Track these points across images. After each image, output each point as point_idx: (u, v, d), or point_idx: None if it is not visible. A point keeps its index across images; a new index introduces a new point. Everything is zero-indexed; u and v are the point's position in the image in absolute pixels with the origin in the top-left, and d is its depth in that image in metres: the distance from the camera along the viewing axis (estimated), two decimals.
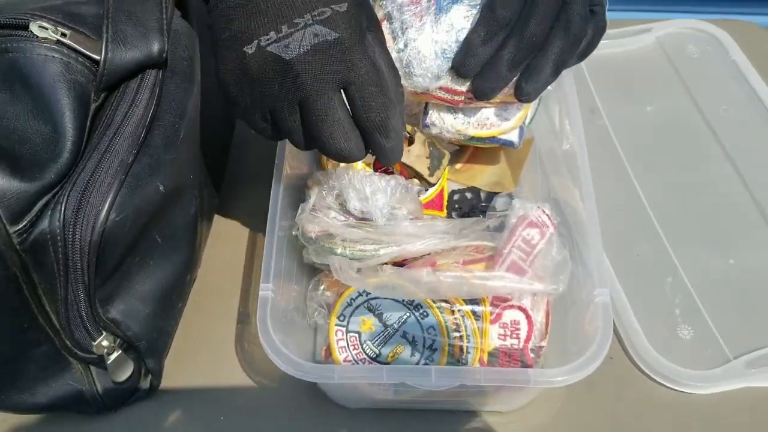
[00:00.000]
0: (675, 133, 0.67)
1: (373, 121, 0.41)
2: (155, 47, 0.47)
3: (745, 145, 0.66)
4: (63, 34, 0.44)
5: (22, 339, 0.45)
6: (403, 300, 0.49)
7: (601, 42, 0.74)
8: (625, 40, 0.75)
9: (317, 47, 0.40)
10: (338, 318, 0.50)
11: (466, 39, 0.46)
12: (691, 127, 0.68)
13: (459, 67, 0.46)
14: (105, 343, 0.45)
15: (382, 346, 0.49)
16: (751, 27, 0.77)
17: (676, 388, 0.52)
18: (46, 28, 0.44)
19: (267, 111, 0.42)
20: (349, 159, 0.42)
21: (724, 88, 0.70)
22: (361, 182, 0.49)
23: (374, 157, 0.44)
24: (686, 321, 0.54)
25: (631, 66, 0.74)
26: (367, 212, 0.49)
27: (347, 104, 0.41)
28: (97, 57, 0.44)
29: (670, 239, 0.59)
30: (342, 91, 0.41)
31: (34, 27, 0.43)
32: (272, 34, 0.40)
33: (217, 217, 0.60)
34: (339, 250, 0.48)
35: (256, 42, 0.41)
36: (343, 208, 0.50)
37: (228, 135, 0.62)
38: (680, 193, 0.63)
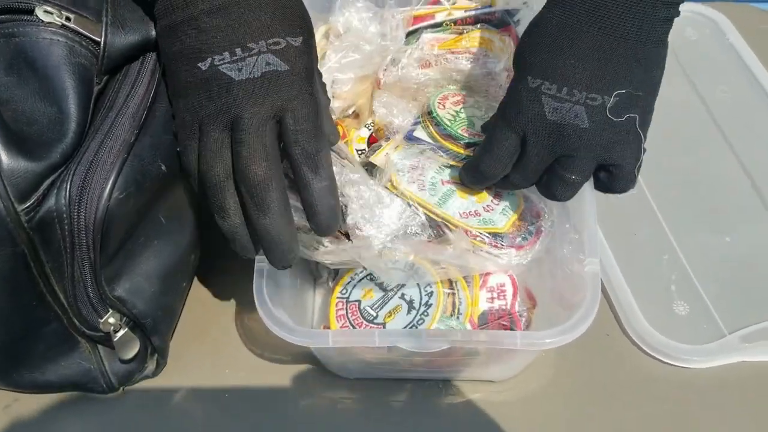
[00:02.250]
0: (673, 115, 0.68)
1: (302, 151, 0.41)
2: (153, 30, 0.48)
3: (742, 126, 0.67)
4: (68, 18, 0.46)
5: (31, 317, 0.46)
6: (404, 265, 0.50)
7: None
8: None
9: (266, 75, 0.41)
10: (340, 292, 0.52)
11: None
12: (689, 108, 0.69)
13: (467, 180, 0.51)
14: (111, 320, 0.47)
15: (380, 309, 0.51)
16: (747, 9, 0.78)
17: (672, 363, 0.53)
18: (51, 13, 0.45)
19: (197, 125, 0.42)
20: (263, 190, 0.40)
21: (721, 70, 0.71)
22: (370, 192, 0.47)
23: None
24: (682, 297, 0.55)
25: None
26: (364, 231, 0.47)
27: (280, 134, 0.42)
28: (99, 39, 0.46)
29: (667, 218, 0.60)
30: (278, 121, 0.41)
31: (39, 11, 0.45)
32: (226, 54, 0.42)
33: None
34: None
35: (209, 59, 0.42)
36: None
37: None
38: (677, 173, 0.64)
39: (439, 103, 0.55)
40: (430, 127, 0.54)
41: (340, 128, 0.64)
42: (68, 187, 0.42)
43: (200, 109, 0.42)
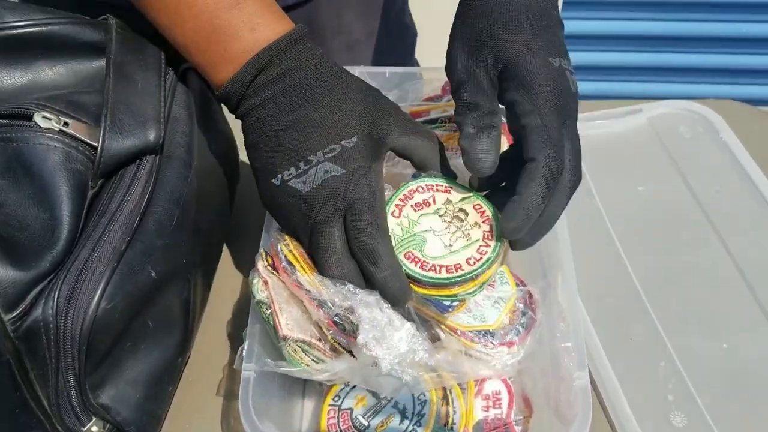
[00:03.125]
0: (667, 213, 0.69)
1: (361, 248, 0.45)
2: (152, 135, 0.49)
3: (738, 227, 0.67)
4: (65, 124, 0.47)
5: (13, 423, 0.46)
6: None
7: (594, 122, 0.78)
8: (616, 121, 0.78)
9: (326, 182, 0.46)
10: (333, 399, 0.51)
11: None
12: (683, 208, 0.69)
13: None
14: (94, 429, 0.46)
15: (373, 418, 0.50)
16: (739, 107, 0.79)
17: None
18: (49, 119, 0.46)
19: (292, 231, 0.49)
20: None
21: (715, 169, 0.72)
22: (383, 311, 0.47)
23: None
24: (680, 408, 0.54)
25: (623, 146, 0.76)
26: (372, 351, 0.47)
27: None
28: (96, 145, 0.47)
29: (663, 322, 0.60)
30: (344, 218, 0.46)
31: (37, 117, 0.46)
32: (292, 170, 0.47)
33: (210, 295, 0.61)
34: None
35: (279, 176, 0.47)
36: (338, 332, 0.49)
37: (225, 217, 0.63)
38: (672, 274, 0.64)
39: (400, 200, 0.50)
40: None
41: None
42: (56, 297, 0.42)
43: (288, 221, 0.48)
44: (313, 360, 0.50)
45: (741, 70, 1.90)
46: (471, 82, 0.47)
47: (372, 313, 0.46)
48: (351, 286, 0.49)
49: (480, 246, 0.47)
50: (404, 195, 0.50)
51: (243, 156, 0.67)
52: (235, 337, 0.61)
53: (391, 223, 0.48)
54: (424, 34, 0.93)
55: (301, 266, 0.51)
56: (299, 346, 0.50)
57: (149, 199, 0.47)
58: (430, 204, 0.49)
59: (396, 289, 0.45)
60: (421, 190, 0.50)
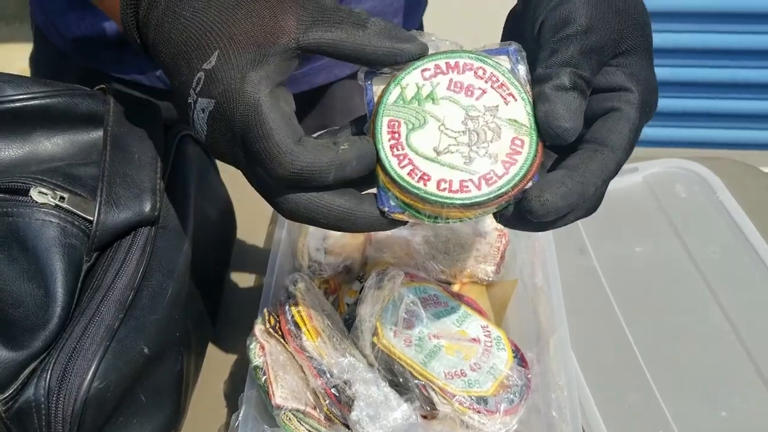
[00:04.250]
0: (664, 275, 0.69)
1: (270, 179, 0.39)
2: (147, 207, 0.50)
3: (735, 290, 0.67)
4: (61, 198, 0.48)
5: None
6: None
7: None
8: (612, 180, 0.78)
9: (210, 124, 0.40)
10: None
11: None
12: (680, 269, 0.70)
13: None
14: None
15: None
16: (735, 165, 0.80)
17: None
18: (45, 194, 0.47)
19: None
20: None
21: (712, 229, 0.73)
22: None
23: None
24: None
25: (620, 205, 0.77)
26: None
27: None
28: (92, 218, 0.48)
29: (661, 388, 0.60)
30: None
31: (34, 193, 0.47)
32: (189, 119, 0.41)
33: (206, 358, 0.62)
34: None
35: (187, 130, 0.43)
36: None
37: (220, 280, 0.64)
38: (670, 338, 0.64)
39: (448, 65, 0.42)
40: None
41: (331, 283, 0.65)
42: (48, 377, 0.42)
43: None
44: (307, 429, 0.50)
45: (738, 115, 1.92)
46: (594, 36, 0.40)
47: (369, 390, 0.47)
48: (352, 359, 0.49)
49: (474, 177, 0.39)
50: (458, 63, 0.41)
51: (240, 212, 0.69)
52: (231, 402, 0.61)
53: (414, 77, 0.41)
54: None
55: (307, 329, 0.52)
56: (294, 415, 0.50)
57: (144, 273, 0.48)
58: (472, 94, 0.40)
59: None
60: (481, 72, 0.41)
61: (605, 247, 0.72)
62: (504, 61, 0.42)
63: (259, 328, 0.52)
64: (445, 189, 0.38)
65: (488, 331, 0.58)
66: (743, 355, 0.62)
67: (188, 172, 0.57)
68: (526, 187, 0.39)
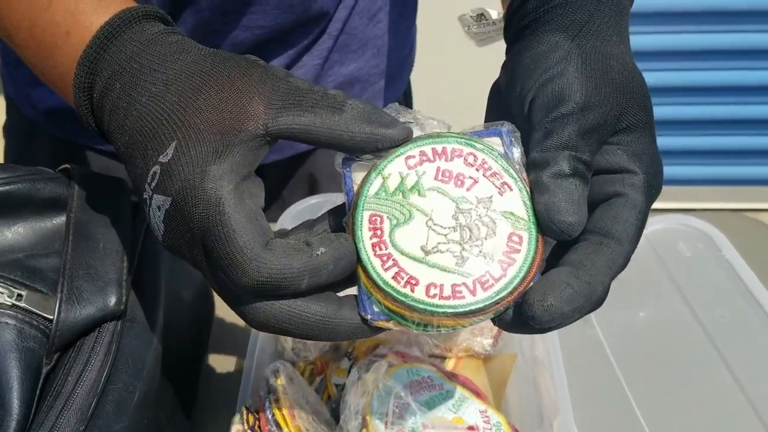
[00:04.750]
0: (672, 342, 0.66)
1: (236, 288, 0.35)
2: (112, 300, 0.47)
3: (746, 356, 0.64)
4: (19, 296, 0.44)
5: None
6: None
7: None
8: None
9: (167, 224, 0.36)
10: None
11: None
12: (688, 335, 0.67)
13: None
14: None
15: None
16: (741, 219, 0.78)
17: None
18: (2, 293, 0.44)
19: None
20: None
21: (720, 291, 0.70)
22: None
23: None
24: None
25: None
26: None
27: None
28: (52, 317, 0.44)
29: None
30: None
31: None
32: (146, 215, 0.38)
33: None
34: None
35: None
36: None
37: (195, 371, 0.60)
38: (681, 413, 0.61)
39: (434, 151, 0.38)
40: None
41: (318, 364, 0.62)
42: None
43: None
44: None
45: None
46: (591, 115, 0.36)
47: None
48: None
49: (467, 281, 0.35)
50: (446, 149, 0.38)
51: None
52: None
53: (397, 165, 0.37)
54: None
55: (289, 430, 0.48)
56: None
57: (108, 376, 0.44)
58: (462, 184, 0.37)
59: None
60: (472, 159, 0.37)
61: (607, 312, 0.68)
62: (496, 143, 0.38)
63: (236, 429, 0.48)
64: (435, 295, 0.34)
65: (487, 417, 0.54)
66: (759, 427, 0.59)
67: (158, 254, 0.53)
68: (527, 290, 0.35)
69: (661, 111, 1.82)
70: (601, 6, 0.40)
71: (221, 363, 0.65)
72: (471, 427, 0.52)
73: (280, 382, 0.50)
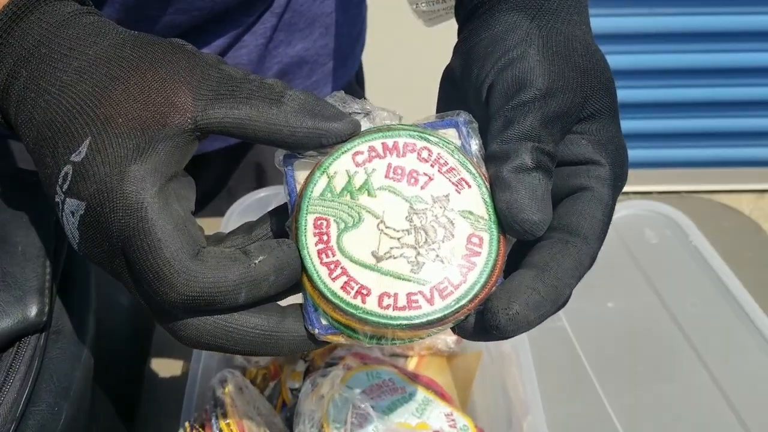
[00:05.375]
0: (642, 334, 0.64)
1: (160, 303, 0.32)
2: (33, 311, 0.42)
3: (716, 345, 0.62)
4: None
5: None
6: None
7: None
8: None
9: (82, 230, 0.32)
10: None
11: None
12: (659, 327, 0.65)
13: None
14: None
15: None
16: (707, 204, 0.76)
17: None
18: None
19: None
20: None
21: (688, 278, 0.68)
22: None
23: None
24: None
25: None
26: None
27: None
28: None
29: None
30: None
31: None
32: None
33: None
34: None
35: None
36: None
37: (134, 387, 0.56)
38: (655, 409, 0.59)
39: (384, 145, 0.34)
40: None
41: (270, 368, 0.58)
42: None
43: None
44: None
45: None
46: (554, 102, 0.33)
47: None
48: None
49: (424, 289, 0.32)
50: (397, 143, 0.34)
51: None
52: None
53: (343, 163, 0.33)
54: None
55: None
56: None
57: (30, 396, 0.40)
58: (416, 181, 0.33)
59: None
60: (426, 154, 0.34)
61: (574, 303, 0.66)
62: (452, 135, 0.35)
63: None
64: (389, 306, 0.31)
65: (453, 420, 0.51)
66: (735, 424, 0.57)
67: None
68: (490, 296, 0.31)
69: (638, 93, 1.83)
70: None
71: (165, 369, 0.60)
72: None
73: (228, 392, 0.46)
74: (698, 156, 1.93)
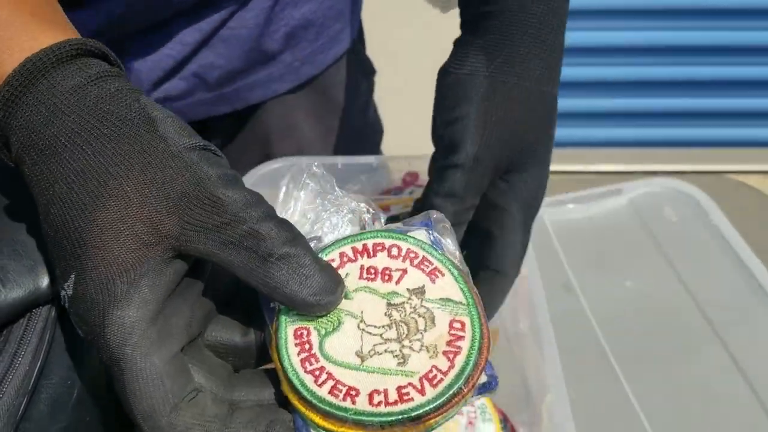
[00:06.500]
0: (661, 315, 0.63)
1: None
2: (44, 280, 0.40)
3: (736, 323, 0.62)
4: None
5: None
6: None
7: (570, 206, 0.73)
8: (595, 204, 0.73)
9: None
10: None
11: None
12: (677, 306, 0.64)
13: None
14: None
15: None
16: (728, 183, 0.75)
17: None
18: None
19: None
20: None
21: (708, 258, 0.67)
22: None
23: None
24: None
25: (605, 233, 0.70)
26: None
27: None
28: None
29: None
30: None
31: None
32: None
33: None
34: None
35: None
36: None
37: None
38: (674, 391, 0.58)
39: (354, 249, 0.35)
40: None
41: None
42: None
43: None
44: None
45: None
46: (479, 167, 0.41)
47: None
48: None
49: (413, 380, 0.31)
50: (366, 245, 0.35)
51: None
52: None
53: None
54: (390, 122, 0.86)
55: None
56: None
57: (42, 369, 0.39)
58: (390, 278, 0.34)
59: None
60: (396, 251, 0.35)
61: (592, 282, 0.66)
62: (422, 236, 0.35)
63: None
64: (380, 403, 0.30)
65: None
66: (756, 406, 0.56)
67: None
68: (481, 380, 0.31)
69: (649, 71, 1.81)
70: (532, 25, 0.42)
71: None
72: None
73: None
74: (706, 135, 1.92)
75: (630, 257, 0.68)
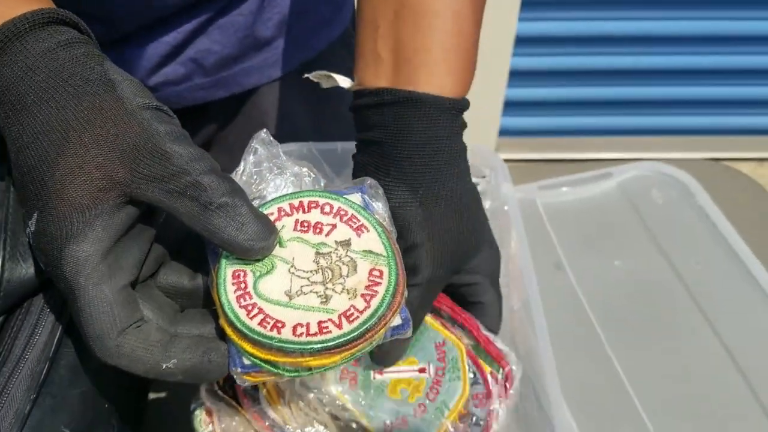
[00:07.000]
0: (649, 293, 0.66)
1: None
2: None
3: (724, 305, 0.64)
4: None
5: None
6: None
7: (561, 189, 0.75)
8: (585, 187, 0.75)
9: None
10: None
11: None
12: (665, 285, 0.66)
13: None
14: None
15: None
16: (714, 167, 0.77)
17: None
18: None
19: None
20: None
21: (694, 238, 0.70)
22: None
23: None
24: None
25: (594, 214, 0.73)
26: None
27: None
28: None
29: (653, 420, 0.56)
30: None
31: None
32: None
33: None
34: None
35: None
36: None
37: None
38: (664, 369, 0.60)
39: (292, 205, 0.40)
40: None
41: None
42: None
43: None
44: None
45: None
46: (434, 282, 0.47)
47: None
48: (322, 428, 0.45)
49: (333, 316, 0.36)
50: (302, 202, 0.40)
51: None
52: None
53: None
54: None
55: (267, 390, 0.46)
56: None
57: (61, 339, 0.41)
58: (320, 231, 0.39)
59: None
60: (328, 209, 0.39)
61: (582, 261, 0.68)
62: (355, 198, 0.40)
63: (205, 388, 0.46)
64: (302, 334, 0.35)
65: (443, 351, 0.50)
66: (743, 386, 0.59)
67: None
68: (394, 323, 0.36)
69: (641, 60, 1.82)
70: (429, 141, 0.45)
71: None
72: (422, 369, 0.49)
73: None
74: (699, 123, 1.94)
75: (618, 238, 0.71)
